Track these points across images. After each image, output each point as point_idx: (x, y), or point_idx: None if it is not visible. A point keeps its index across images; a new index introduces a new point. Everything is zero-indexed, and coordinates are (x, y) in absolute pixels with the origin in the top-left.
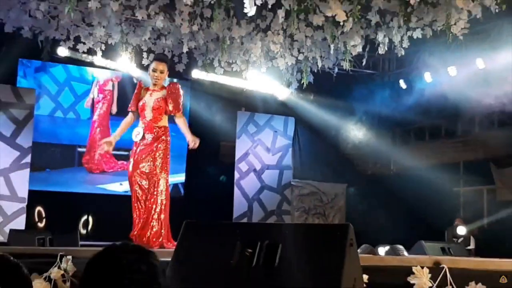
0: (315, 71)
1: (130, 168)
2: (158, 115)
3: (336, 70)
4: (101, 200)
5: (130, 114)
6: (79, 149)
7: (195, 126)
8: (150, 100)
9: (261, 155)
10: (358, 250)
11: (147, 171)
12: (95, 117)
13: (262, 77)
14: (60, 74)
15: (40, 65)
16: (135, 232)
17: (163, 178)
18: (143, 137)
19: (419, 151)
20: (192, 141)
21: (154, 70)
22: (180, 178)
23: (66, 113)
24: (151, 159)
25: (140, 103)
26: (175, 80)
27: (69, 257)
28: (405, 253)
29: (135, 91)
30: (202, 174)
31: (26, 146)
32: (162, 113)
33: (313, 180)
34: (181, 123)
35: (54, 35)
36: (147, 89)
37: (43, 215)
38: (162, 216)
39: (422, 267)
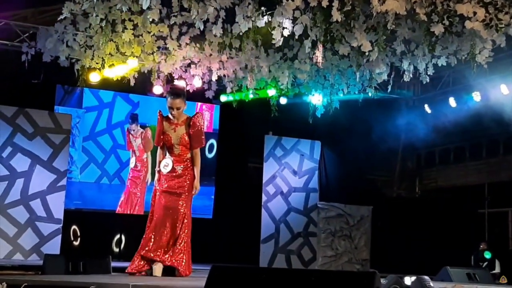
0: (341, 96)
1: (162, 201)
2: (186, 150)
3: (361, 96)
4: (134, 219)
5: (160, 149)
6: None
7: (224, 148)
8: (175, 136)
9: (288, 178)
10: (384, 281)
11: (176, 204)
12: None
13: (289, 102)
14: (107, 143)
15: (88, 134)
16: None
17: (189, 206)
18: (173, 169)
19: (444, 174)
20: (196, 188)
21: (171, 108)
22: (209, 199)
23: (112, 180)
24: (181, 188)
25: (165, 137)
26: (204, 106)
27: None
28: (432, 284)
29: (157, 123)
30: (230, 196)
31: (62, 170)
32: (189, 148)
33: (339, 203)
34: (196, 159)
35: (89, 64)
36: (170, 121)
37: (78, 234)
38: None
39: None
